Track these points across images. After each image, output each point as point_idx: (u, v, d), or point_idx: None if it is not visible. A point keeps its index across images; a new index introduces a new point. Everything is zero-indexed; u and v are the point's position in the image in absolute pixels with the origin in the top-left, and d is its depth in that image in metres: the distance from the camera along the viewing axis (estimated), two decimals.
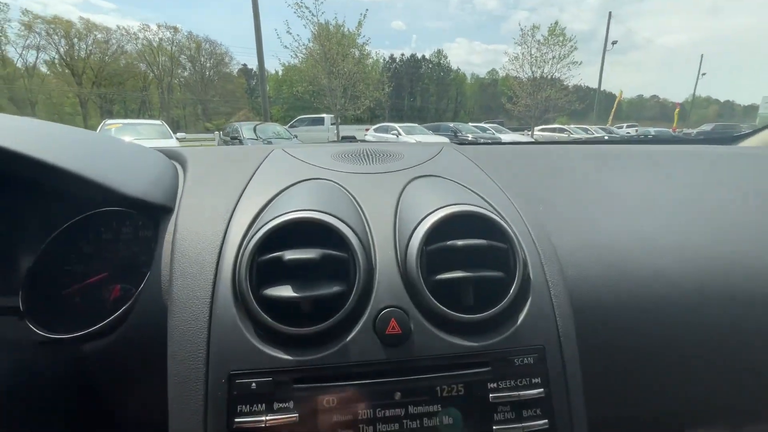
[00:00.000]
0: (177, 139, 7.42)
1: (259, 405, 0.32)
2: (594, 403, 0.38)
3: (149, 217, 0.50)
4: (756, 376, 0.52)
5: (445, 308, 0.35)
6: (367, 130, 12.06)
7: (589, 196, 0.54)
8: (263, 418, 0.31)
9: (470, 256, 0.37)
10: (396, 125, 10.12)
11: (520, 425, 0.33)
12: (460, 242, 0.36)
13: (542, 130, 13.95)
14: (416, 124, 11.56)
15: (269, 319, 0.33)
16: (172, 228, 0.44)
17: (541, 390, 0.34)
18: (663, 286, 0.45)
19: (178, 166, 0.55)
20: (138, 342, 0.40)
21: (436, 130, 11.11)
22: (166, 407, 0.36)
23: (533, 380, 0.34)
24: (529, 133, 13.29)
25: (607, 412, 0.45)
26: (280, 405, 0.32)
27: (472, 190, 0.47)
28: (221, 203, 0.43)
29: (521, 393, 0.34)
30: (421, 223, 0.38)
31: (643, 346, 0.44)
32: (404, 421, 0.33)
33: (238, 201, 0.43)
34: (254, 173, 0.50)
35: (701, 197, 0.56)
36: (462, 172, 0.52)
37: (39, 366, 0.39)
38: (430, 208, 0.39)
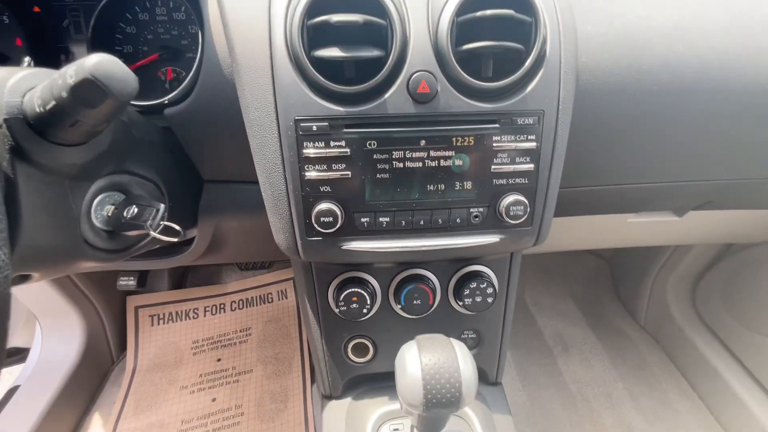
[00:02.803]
0: None
1: (320, 142, 0.42)
2: (570, 163, 0.48)
3: None
4: (722, 169, 0.61)
5: (467, 76, 0.41)
6: None
7: None
8: (324, 150, 0.42)
9: (494, 32, 0.40)
10: None
11: (512, 166, 0.45)
12: (489, 11, 0.39)
13: None
14: None
15: (321, 78, 0.40)
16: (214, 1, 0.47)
17: (534, 144, 0.44)
18: (668, 77, 0.50)
19: None
20: (210, 106, 0.49)
21: None
22: (245, 156, 0.48)
23: (530, 136, 0.44)
24: None
25: (578, 176, 0.57)
26: (335, 143, 0.42)
27: None
28: None
29: (518, 144, 0.44)
30: None
31: (626, 128, 0.53)
32: (426, 161, 0.44)
33: None
34: None
35: None
36: None
37: (132, 130, 0.49)
38: None
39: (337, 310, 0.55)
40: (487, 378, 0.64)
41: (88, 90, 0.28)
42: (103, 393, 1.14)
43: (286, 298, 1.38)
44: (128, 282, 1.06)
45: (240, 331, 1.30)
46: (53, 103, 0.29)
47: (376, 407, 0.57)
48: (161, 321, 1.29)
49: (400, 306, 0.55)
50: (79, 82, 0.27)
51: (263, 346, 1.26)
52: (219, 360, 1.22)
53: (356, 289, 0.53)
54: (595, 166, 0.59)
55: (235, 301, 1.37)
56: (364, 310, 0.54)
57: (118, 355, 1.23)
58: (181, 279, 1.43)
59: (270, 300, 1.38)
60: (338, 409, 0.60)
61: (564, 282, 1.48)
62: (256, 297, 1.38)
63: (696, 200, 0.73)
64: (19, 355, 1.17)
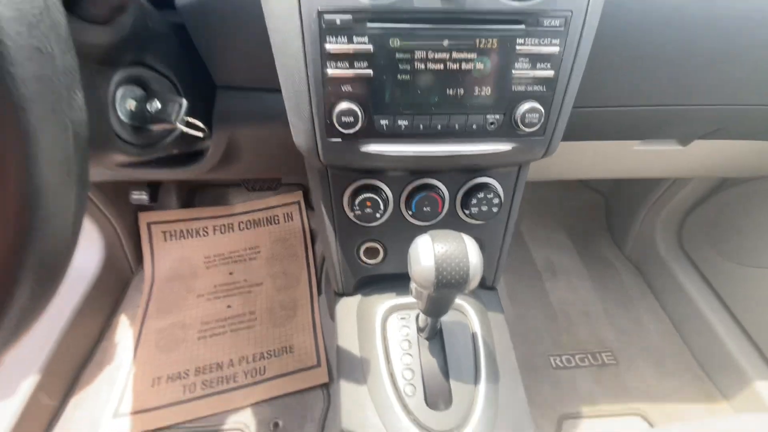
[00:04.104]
0: None
1: (343, 37, 0.42)
2: (587, 78, 0.48)
3: None
4: (741, 92, 0.61)
5: None
6: None
7: None
8: (347, 47, 0.42)
9: None
10: None
11: (532, 71, 0.45)
12: None
13: None
14: None
15: None
16: None
17: (557, 48, 0.44)
18: None
19: None
20: None
21: None
22: (261, 57, 0.47)
23: (553, 40, 0.44)
24: None
25: (593, 93, 0.58)
26: (359, 39, 0.42)
27: None
28: None
29: (541, 49, 0.44)
30: None
31: (655, 38, 0.52)
32: (447, 63, 0.44)
33: None
34: None
35: None
36: None
37: (146, 18, 0.47)
38: None
39: (351, 214, 0.58)
40: (484, 282, 0.71)
41: None
42: (127, 298, 1.24)
43: (292, 220, 1.44)
44: (140, 196, 1.09)
45: (249, 249, 1.38)
46: None
47: (384, 301, 0.64)
48: (173, 237, 1.35)
49: (410, 213, 0.59)
50: None
51: (272, 263, 1.34)
52: (231, 273, 1.31)
53: (370, 195, 0.56)
54: (611, 83, 0.58)
55: (243, 222, 1.42)
56: (377, 215, 0.58)
57: (136, 266, 1.31)
58: (189, 200, 1.47)
59: (276, 221, 1.43)
60: (350, 304, 0.67)
61: (560, 215, 1.54)
62: (263, 218, 1.43)
63: (707, 126, 0.74)
64: None
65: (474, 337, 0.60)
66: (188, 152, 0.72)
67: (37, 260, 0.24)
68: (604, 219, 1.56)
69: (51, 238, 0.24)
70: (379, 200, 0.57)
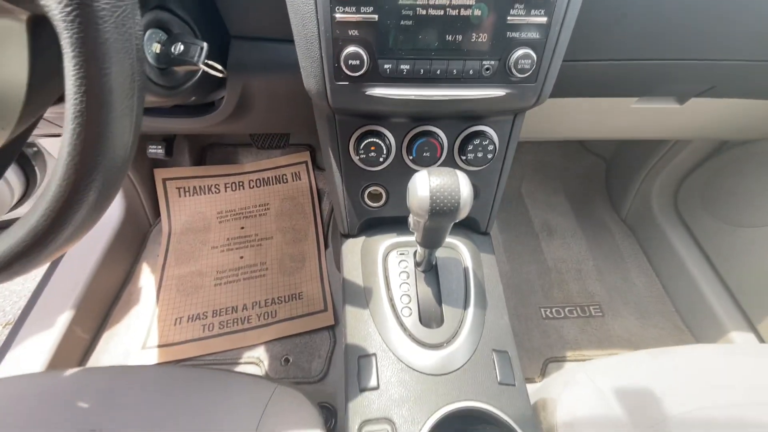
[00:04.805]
0: None
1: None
2: (579, 30, 0.51)
3: None
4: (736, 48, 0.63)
5: None
6: None
7: None
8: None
9: None
10: None
11: (527, 18, 0.48)
12: None
13: None
14: None
15: None
16: None
17: None
18: None
19: None
20: None
21: None
22: (274, 6, 0.50)
23: None
24: None
25: (586, 47, 0.60)
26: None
27: None
28: None
29: None
30: None
31: None
32: (447, 9, 0.48)
33: None
34: None
35: None
36: None
37: None
38: None
39: (356, 158, 0.64)
40: (478, 227, 0.77)
41: None
42: (147, 248, 1.32)
43: (300, 179, 1.49)
44: (157, 150, 1.14)
45: (259, 205, 1.44)
46: None
47: (385, 240, 0.70)
48: (187, 193, 1.42)
49: (411, 158, 0.64)
50: None
51: (281, 218, 1.41)
52: (243, 228, 1.38)
53: (375, 140, 0.61)
54: (604, 36, 0.61)
55: (252, 180, 1.48)
56: (381, 159, 0.63)
57: (153, 219, 1.39)
58: (200, 158, 1.53)
59: (285, 180, 1.49)
60: (355, 244, 0.74)
61: (560, 179, 1.58)
62: (272, 177, 1.49)
63: (701, 83, 0.76)
64: None
65: (466, 271, 0.67)
66: (204, 103, 0.76)
67: (106, 164, 0.29)
68: (604, 183, 1.59)
69: (117, 142, 0.29)
70: (383, 145, 0.61)
